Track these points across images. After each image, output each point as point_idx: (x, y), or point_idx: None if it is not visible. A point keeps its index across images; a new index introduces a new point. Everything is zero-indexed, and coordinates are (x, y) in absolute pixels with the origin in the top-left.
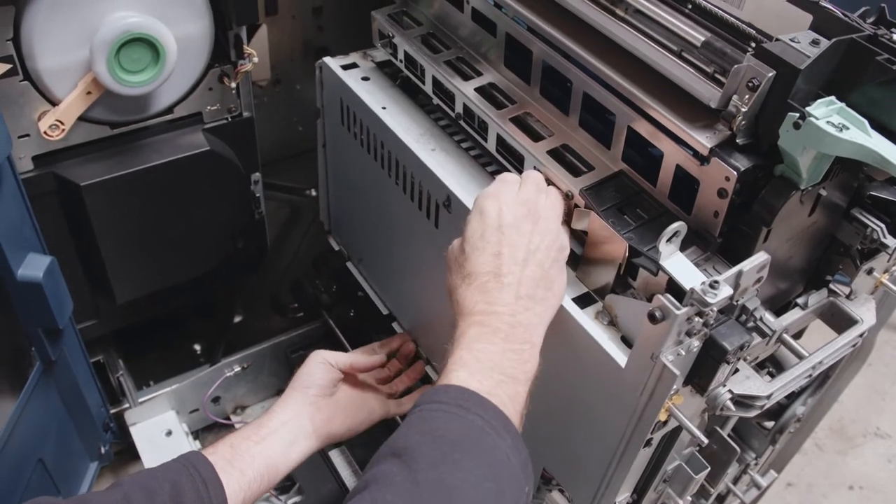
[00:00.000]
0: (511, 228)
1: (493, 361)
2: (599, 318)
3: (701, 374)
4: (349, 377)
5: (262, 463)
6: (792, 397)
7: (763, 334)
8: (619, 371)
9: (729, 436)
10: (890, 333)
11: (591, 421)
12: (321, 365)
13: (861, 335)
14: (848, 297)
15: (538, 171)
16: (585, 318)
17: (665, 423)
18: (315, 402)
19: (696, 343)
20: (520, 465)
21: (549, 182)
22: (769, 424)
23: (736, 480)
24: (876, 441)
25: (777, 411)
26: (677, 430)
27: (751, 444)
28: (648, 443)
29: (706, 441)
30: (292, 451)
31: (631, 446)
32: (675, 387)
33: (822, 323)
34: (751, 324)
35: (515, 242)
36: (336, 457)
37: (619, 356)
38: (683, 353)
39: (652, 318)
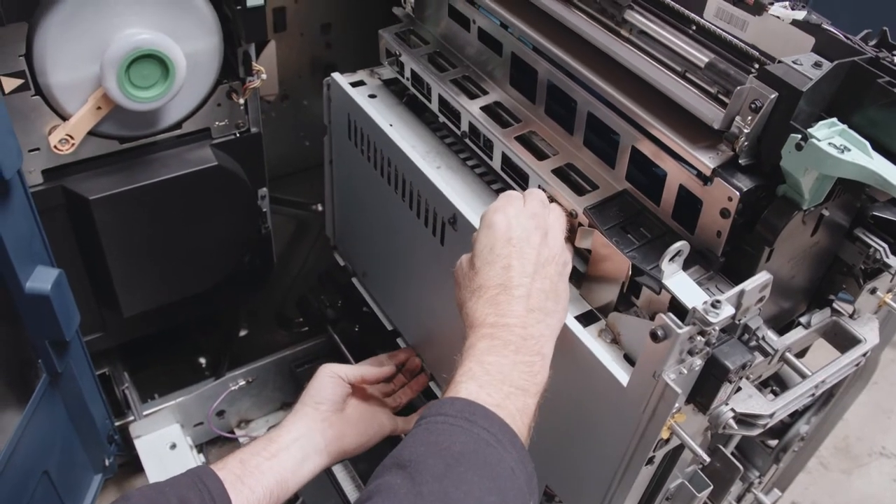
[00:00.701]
0: (521, 241)
1: (504, 374)
2: (602, 336)
3: (703, 392)
4: (358, 392)
5: (272, 479)
6: (795, 416)
7: (765, 353)
8: (622, 389)
9: (732, 454)
10: (895, 352)
11: (594, 438)
12: (331, 379)
13: (864, 354)
14: (851, 316)
15: (542, 189)
16: (588, 337)
17: (667, 440)
18: (327, 418)
19: (698, 362)
20: (525, 479)
21: (553, 200)
22: (773, 443)
23: (740, 499)
24: (881, 460)
25: (781, 430)
26: (680, 447)
27: (754, 462)
28: (651, 461)
29: (708, 459)
30: (303, 467)
31: (633, 464)
32: (676, 405)
33: (825, 342)
34: (753, 343)
35: (525, 254)
36: (339, 472)
37: (622, 374)
38: (685, 371)
39: (654, 336)
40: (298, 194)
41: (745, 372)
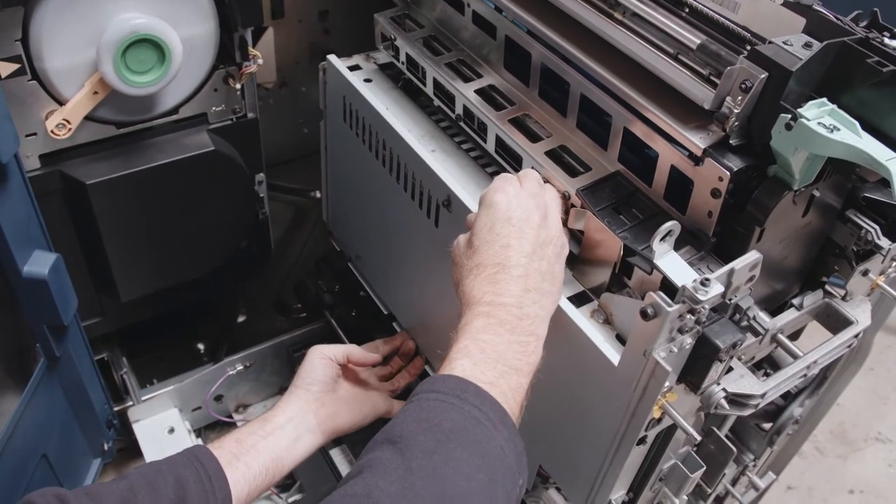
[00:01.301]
0: (521, 221)
1: (498, 352)
2: (595, 316)
3: (694, 372)
4: (350, 373)
5: (268, 457)
6: (789, 399)
7: (756, 333)
8: (613, 368)
9: (726, 436)
10: (891, 338)
11: (586, 418)
12: (321, 360)
13: (856, 336)
14: (843, 298)
15: (535, 171)
16: (580, 317)
17: (659, 420)
18: (319, 398)
19: (688, 340)
20: (514, 458)
21: (547, 182)
22: (767, 426)
23: (734, 482)
24: (877, 446)
25: (775, 413)
26: (672, 428)
27: (749, 445)
28: (643, 440)
29: (699, 438)
30: (297, 445)
31: (625, 443)
32: (667, 384)
33: (819, 326)
34: (744, 323)
35: (525, 234)
36: (336, 455)
37: (613, 354)
38: (676, 350)
39: (644, 314)
40: (296, 181)
41: (735, 351)
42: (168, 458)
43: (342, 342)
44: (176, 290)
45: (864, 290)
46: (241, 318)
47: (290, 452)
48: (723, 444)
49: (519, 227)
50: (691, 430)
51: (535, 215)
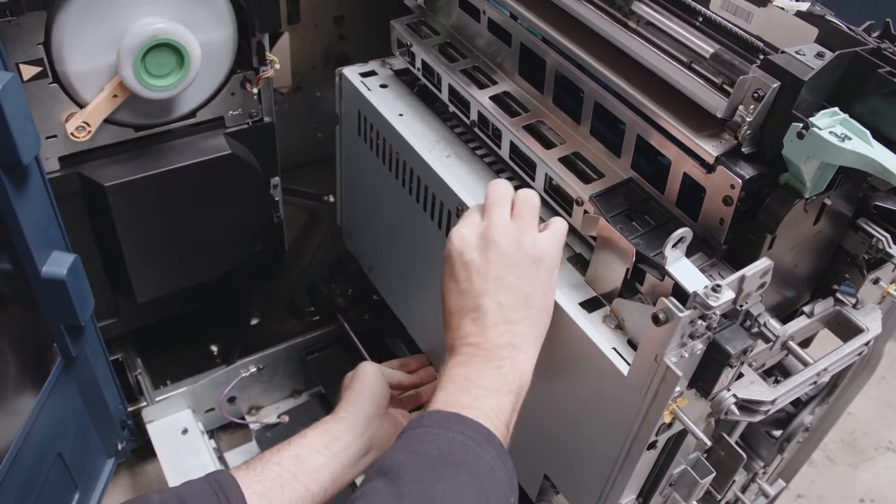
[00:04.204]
0: (471, 263)
1: (470, 379)
2: (607, 322)
3: (705, 377)
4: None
5: (328, 477)
6: (799, 406)
7: (767, 340)
8: (621, 374)
9: (737, 443)
10: None
11: (596, 423)
12: (379, 377)
13: (867, 344)
14: (854, 306)
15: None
16: (588, 324)
17: (670, 425)
18: (383, 414)
19: (699, 346)
20: (504, 476)
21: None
22: (777, 433)
23: (744, 489)
24: (888, 455)
25: (785, 420)
26: (682, 433)
27: (759, 452)
28: (653, 445)
29: (709, 443)
30: (363, 462)
31: (635, 448)
32: (678, 389)
33: (831, 335)
34: (755, 329)
35: (481, 273)
36: None
37: (621, 361)
38: (687, 355)
39: (656, 320)
40: (310, 185)
41: (746, 357)
42: (188, 484)
43: (355, 346)
44: (190, 291)
45: (875, 298)
46: (254, 321)
47: (353, 470)
48: (733, 451)
49: (474, 268)
50: (702, 436)
51: (485, 254)
